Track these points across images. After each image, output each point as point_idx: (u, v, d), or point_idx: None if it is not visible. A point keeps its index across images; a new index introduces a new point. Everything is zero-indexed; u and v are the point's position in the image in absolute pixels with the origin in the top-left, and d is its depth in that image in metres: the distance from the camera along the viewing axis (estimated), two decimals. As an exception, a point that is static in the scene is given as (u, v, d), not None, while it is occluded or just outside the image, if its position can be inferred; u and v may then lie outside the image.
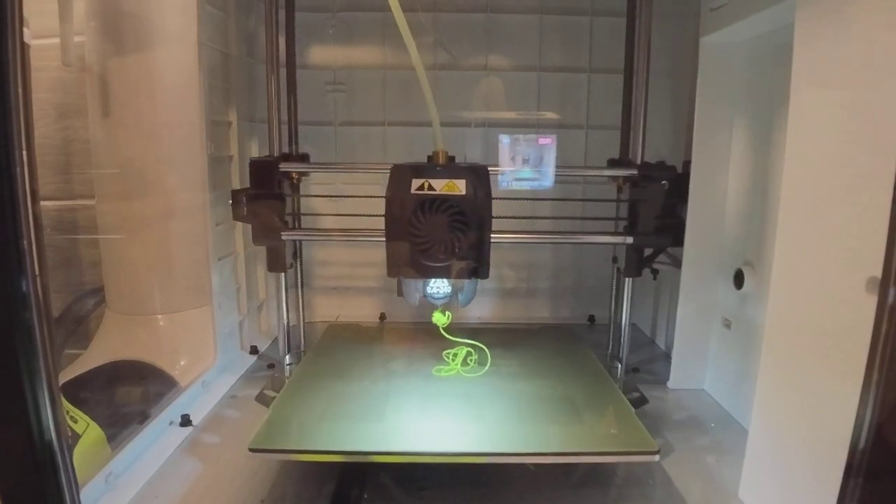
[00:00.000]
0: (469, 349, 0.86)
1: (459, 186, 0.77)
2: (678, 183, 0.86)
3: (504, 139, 0.95)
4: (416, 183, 0.77)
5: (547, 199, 0.94)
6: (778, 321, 0.60)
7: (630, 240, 0.87)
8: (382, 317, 1.19)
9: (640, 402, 0.79)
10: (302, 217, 0.99)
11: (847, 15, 0.50)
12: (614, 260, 0.99)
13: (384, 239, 0.80)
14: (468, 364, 0.85)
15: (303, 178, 0.96)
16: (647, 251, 0.91)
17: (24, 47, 0.38)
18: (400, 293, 0.85)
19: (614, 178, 0.93)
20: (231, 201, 0.88)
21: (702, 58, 0.84)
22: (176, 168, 0.86)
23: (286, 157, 0.93)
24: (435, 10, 1.12)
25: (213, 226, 0.91)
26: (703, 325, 0.91)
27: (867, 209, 0.47)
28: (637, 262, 0.88)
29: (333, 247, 1.20)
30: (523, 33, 1.14)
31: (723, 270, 0.88)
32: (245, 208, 0.86)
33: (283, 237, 0.88)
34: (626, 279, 0.90)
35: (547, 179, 0.92)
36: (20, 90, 0.37)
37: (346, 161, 1.17)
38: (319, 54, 1.14)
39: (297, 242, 0.98)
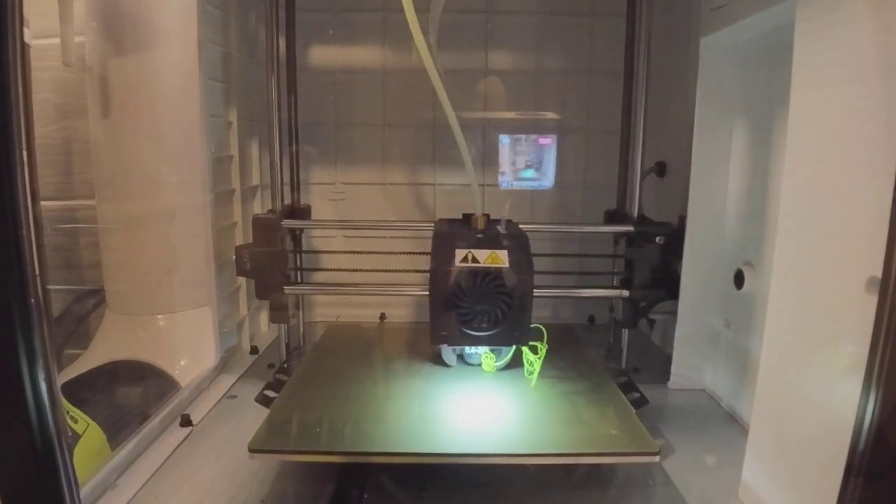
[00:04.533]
0: (532, 345, 0.84)
1: (502, 258, 0.78)
2: (673, 238, 0.87)
3: (504, 139, 0.96)
4: (459, 254, 0.79)
5: (545, 255, 0.95)
6: (778, 321, 0.60)
7: (626, 293, 0.89)
8: (382, 317, 1.19)
9: (640, 403, 0.79)
10: (306, 233, 1.00)
11: (847, 15, 0.50)
12: (611, 310, 1.00)
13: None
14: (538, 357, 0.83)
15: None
16: (643, 302, 0.92)
17: (25, 47, 0.38)
18: (437, 353, 0.86)
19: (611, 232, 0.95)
20: (234, 257, 0.89)
21: (702, 58, 0.84)
22: (176, 168, 0.86)
23: (289, 211, 0.95)
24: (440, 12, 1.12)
25: (213, 226, 0.91)
26: (704, 325, 0.91)
27: (867, 209, 0.47)
28: (633, 314, 0.90)
29: (334, 247, 1.20)
30: (523, 34, 1.14)
31: (723, 270, 0.88)
32: (248, 264, 0.87)
33: (286, 291, 0.89)
34: (623, 329, 0.92)
35: (547, 180, 0.92)
36: (20, 90, 0.37)
37: (346, 161, 1.17)
38: (319, 54, 1.14)
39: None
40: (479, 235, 0.82)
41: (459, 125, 0.80)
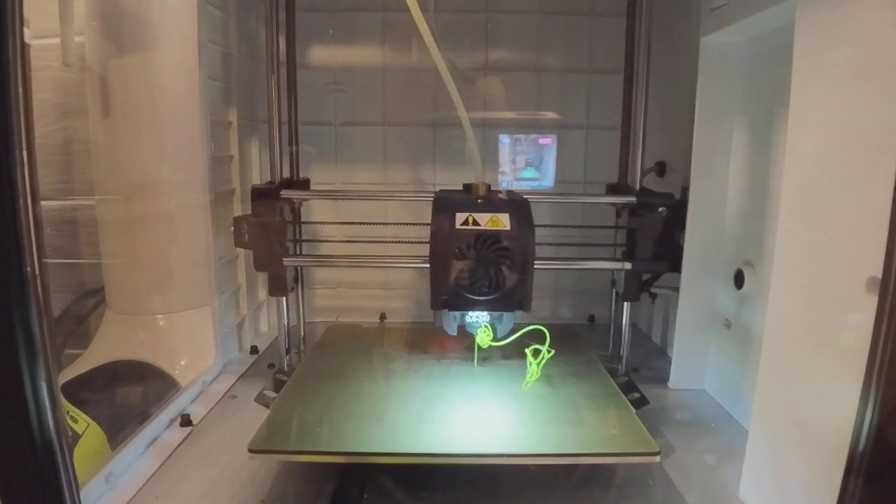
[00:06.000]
0: (534, 348, 0.82)
1: (504, 221, 0.77)
2: (676, 209, 0.86)
3: (504, 139, 0.95)
4: (460, 217, 0.77)
5: (546, 226, 0.95)
6: (778, 321, 0.60)
7: (628, 265, 0.88)
8: (382, 317, 1.19)
9: (640, 403, 0.79)
10: (303, 225, 0.99)
11: (847, 15, 0.50)
12: (613, 284, 0.99)
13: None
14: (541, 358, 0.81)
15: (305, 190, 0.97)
16: (646, 275, 0.91)
17: (24, 47, 0.38)
18: (437, 321, 0.85)
19: (613, 203, 0.94)
20: (232, 228, 0.88)
21: (702, 58, 0.84)
22: (176, 168, 0.86)
23: (287, 183, 0.94)
24: (435, 10, 1.12)
25: (213, 226, 0.91)
26: (704, 325, 0.91)
27: (867, 209, 0.47)
28: (635, 287, 0.89)
29: (334, 247, 1.20)
30: (523, 33, 1.14)
31: (723, 270, 0.88)
32: (247, 235, 0.87)
33: (285, 263, 0.89)
34: (625, 303, 0.91)
35: (547, 180, 0.92)
36: (20, 90, 0.37)
37: (346, 162, 1.17)
38: (319, 54, 1.14)
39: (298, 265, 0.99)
40: (479, 200, 0.81)
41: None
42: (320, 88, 1.14)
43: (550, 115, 1.16)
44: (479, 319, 0.82)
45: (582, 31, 1.14)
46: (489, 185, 0.84)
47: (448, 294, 0.78)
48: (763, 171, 0.79)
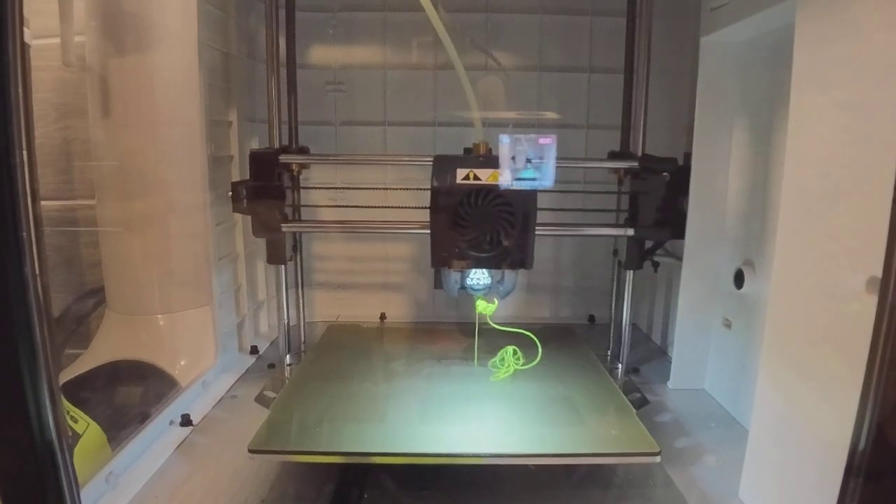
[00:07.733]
0: (515, 348, 0.84)
1: None
2: (679, 175, 0.86)
3: (504, 139, 0.95)
4: (461, 173, 0.77)
5: (547, 191, 0.94)
6: (778, 321, 0.60)
7: (631, 232, 0.87)
8: (382, 317, 1.19)
9: (640, 403, 0.79)
10: (302, 211, 0.99)
11: (847, 15, 0.50)
12: (615, 253, 0.98)
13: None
14: (518, 360, 0.83)
15: (303, 171, 0.97)
16: (648, 243, 0.91)
17: (24, 47, 0.38)
18: (438, 285, 0.84)
19: (615, 169, 0.93)
20: (231, 193, 0.87)
21: (702, 58, 0.84)
22: (176, 168, 0.86)
23: (286, 150, 0.94)
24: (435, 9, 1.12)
25: (213, 226, 0.91)
26: (704, 325, 0.91)
27: (867, 209, 0.47)
28: (638, 255, 0.88)
29: (334, 246, 1.20)
30: (523, 33, 1.14)
31: (723, 270, 0.88)
32: (245, 200, 0.86)
33: (283, 229, 0.88)
34: (627, 272, 0.90)
35: (547, 179, 0.91)
36: (20, 90, 0.37)
37: (346, 162, 1.17)
38: (319, 54, 1.14)
39: (297, 236, 0.98)
40: (480, 158, 0.81)
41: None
42: (320, 88, 1.14)
43: (550, 114, 1.16)
44: (480, 280, 0.82)
45: (582, 31, 1.14)
46: (489, 147, 0.83)
47: (448, 251, 0.77)
48: (763, 171, 0.79)
